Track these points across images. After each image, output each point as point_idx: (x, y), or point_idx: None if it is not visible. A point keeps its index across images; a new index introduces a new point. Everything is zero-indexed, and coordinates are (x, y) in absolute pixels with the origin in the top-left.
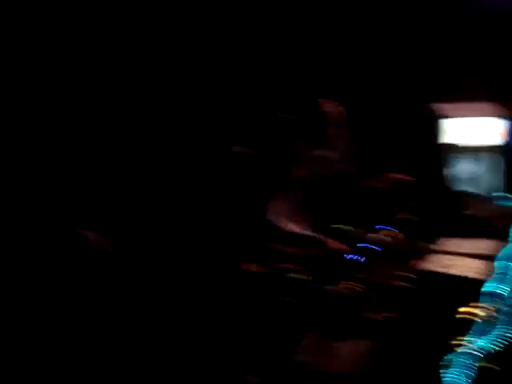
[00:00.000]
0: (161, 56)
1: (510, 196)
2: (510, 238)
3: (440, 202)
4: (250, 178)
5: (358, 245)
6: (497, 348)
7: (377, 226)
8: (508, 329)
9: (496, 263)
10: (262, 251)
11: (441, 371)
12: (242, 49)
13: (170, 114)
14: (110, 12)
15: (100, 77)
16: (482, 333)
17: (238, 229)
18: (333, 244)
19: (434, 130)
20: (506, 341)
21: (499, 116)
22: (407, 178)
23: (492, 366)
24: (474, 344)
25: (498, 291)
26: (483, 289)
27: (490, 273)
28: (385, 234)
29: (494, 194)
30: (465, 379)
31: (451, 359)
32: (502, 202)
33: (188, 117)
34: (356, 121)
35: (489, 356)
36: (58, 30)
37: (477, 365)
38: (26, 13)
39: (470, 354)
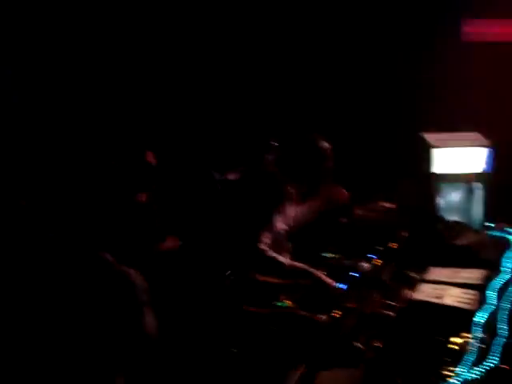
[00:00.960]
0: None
1: (500, 226)
2: (501, 268)
3: (430, 232)
4: (238, 207)
5: (347, 273)
6: (488, 378)
7: (367, 255)
8: (499, 359)
9: (487, 293)
10: (252, 282)
11: None
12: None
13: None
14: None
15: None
16: (473, 363)
17: (229, 256)
18: (320, 275)
19: (422, 160)
20: (496, 371)
21: (483, 145)
22: (397, 206)
23: None
24: (465, 375)
25: (490, 321)
26: (474, 319)
27: (480, 303)
28: (375, 263)
29: (485, 224)
30: None
31: None
32: (491, 232)
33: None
34: (346, 150)
35: None
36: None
37: None
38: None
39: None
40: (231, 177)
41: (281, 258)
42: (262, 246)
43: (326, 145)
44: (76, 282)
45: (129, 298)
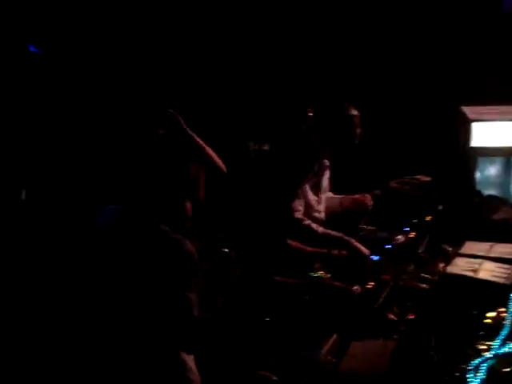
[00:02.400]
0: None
1: None
2: None
3: (466, 205)
4: (270, 175)
5: (382, 246)
6: None
7: (402, 228)
8: None
9: None
10: (288, 250)
11: (468, 376)
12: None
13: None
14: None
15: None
16: (507, 338)
17: (265, 227)
18: (356, 244)
19: (462, 134)
20: None
21: None
22: (434, 180)
23: None
24: (502, 349)
25: None
26: (510, 294)
27: None
28: (410, 235)
29: None
30: None
31: (478, 364)
32: None
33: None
34: (385, 122)
35: None
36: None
37: (502, 369)
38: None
39: (497, 358)
40: (266, 147)
41: (315, 227)
42: (297, 215)
43: (354, 111)
44: (130, 250)
45: (180, 265)
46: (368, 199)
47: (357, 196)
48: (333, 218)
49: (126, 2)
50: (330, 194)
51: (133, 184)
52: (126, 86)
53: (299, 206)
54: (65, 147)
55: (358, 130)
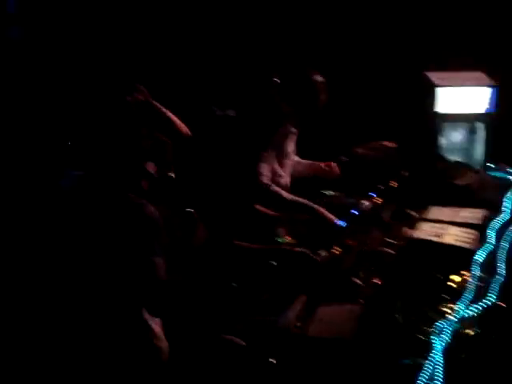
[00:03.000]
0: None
1: (502, 166)
2: (503, 208)
3: (430, 171)
4: (236, 141)
5: (348, 211)
6: (486, 315)
7: (368, 193)
8: (497, 297)
9: (487, 232)
10: (254, 215)
11: (432, 339)
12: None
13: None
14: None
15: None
16: (471, 301)
17: (230, 191)
18: (322, 210)
19: (427, 99)
20: (494, 309)
21: (487, 85)
22: (398, 146)
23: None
24: (463, 312)
25: (488, 261)
26: (473, 258)
27: (480, 242)
28: (375, 201)
29: (486, 165)
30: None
31: (443, 327)
32: (493, 173)
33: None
34: (349, 89)
35: (478, 323)
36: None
37: (466, 332)
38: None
39: (460, 321)
40: (232, 113)
41: (283, 193)
42: (264, 180)
43: (319, 77)
44: (94, 215)
45: (143, 229)
46: (336, 169)
47: (325, 164)
48: (297, 182)
49: None
50: (297, 159)
51: (95, 148)
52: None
53: (266, 171)
54: (31, 108)
55: (323, 96)
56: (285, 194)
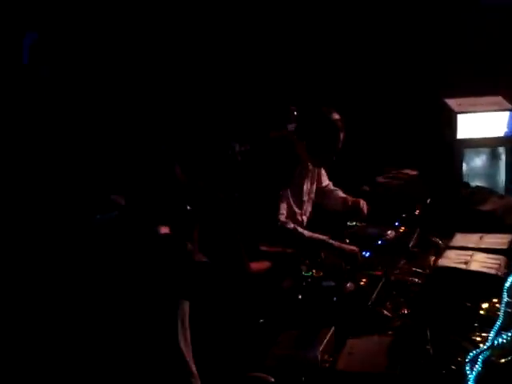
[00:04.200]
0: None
1: None
2: None
3: (454, 198)
4: (255, 180)
5: (372, 241)
6: None
7: (394, 224)
8: None
9: None
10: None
11: (465, 369)
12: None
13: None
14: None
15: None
16: (502, 328)
17: (248, 231)
18: (341, 245)
19: (447, 126)
20: None
21: (506, 109)
22: (420, 173)
23: None
24: (497, 339)
25: None
26: (505, 283)
27: (507, 267)
28: (399, 230)
29: (510, 189)
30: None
31: (475, 356)
32: None
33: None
34: (370, 118)
35: (510, 350)
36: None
37: (498, 360)
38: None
39: (493, 349)
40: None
41: (300, 230)
42: (282, 218)
43: (336, 116)
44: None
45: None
46: (364, 207)
47: (351, 201)
48: (322, 214)
49: None
50: (337, 191)
51: (132, 190)
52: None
53: (283, 210)
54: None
55: (342, 135)
56: (301, 230)
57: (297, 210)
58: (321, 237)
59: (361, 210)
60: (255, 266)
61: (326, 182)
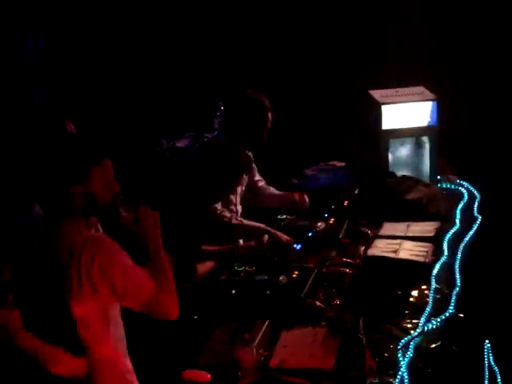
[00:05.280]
0: None
1: (452, 178)
2: (455, 220)
3: (381, 188)
4: (193, 176)
5: (302, 234)
6: (446, 327)
7: (324, 215)
8: (457, 309)
9: (444, 244)
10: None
11: (397, 356)
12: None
13: None
14: None
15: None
16: (431, 314)
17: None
18: (278, 233)
19: (372, 117)
20: (453, 320)
21: (429, 99)
22: (347, 165)
23: (444, 345)
24: (428, 326)
25: (445, 273)
26: (433, 270)
27: (435, 255)
28: (331, 222)
29: (437, 177)
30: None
31: (406, 343)
32: (443, 185)
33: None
34: (295, 110)
35: (441, 336)
36: None
37: (431, 346)
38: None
39: (424, 335)
40: (180, 144)
41: (237, 219)
42: (218, 210)
43: (262, 96)
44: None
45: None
46: (307, 200)
47: (297, 196)
48: (252, 208)
49: None
50: (271, 190)
51: None
52: None
53: (218, 204)
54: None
55: (270, 114)
56: (239, 219)
57: (233, 199)
58: (258, 224)
59: (306, 203)
60: (201, 267)
61: (257, 176)
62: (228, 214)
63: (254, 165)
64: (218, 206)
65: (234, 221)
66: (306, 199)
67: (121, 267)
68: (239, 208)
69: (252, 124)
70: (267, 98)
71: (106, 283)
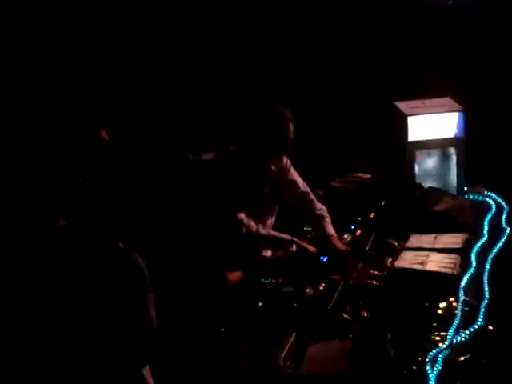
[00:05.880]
0: None
1: (479, 189)
2: (483, 231)
3: (408, 200)
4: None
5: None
6: (475, 339)
7: (351, 227)
8: (484, 320)
9: (472, 256)
10: (236, 256)
11: (425, 369)
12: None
13: None
14: None
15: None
16: (460, 326)
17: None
18: (304, 244)
19: (398, 128)
20: (482, 332)
21: (455, 110)
22: (374, 177)
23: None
24: (456, 338)
25: (473, 284)
26: (461, 282)
27: (462, 267)
28: (355, 233)
29: (464, 189)
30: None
31: (435, 356)
32: (470, 196)
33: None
34: (323, 124)
35: (468, 348)
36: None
37: (457, 358)
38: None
39: (452, 348)
40: (206, 157)
41: (262, 230)
42: (245, 221)
43: (283, 109)
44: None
45: (136, 281)
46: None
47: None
48: (278, 220)
49: None
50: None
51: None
52: None
53: (242, 216)
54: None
55: (291, 125)
56: (267, 231)
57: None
58: (284, 235)
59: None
60: (230, 276)
61: (300, 185)
62: (254, 225)
63: (292, 170)
64: (244, 217)
65: (261, 230)
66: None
67: None
68: (269, 219)
69: (274, 135)
70: (288, 110)
71: None
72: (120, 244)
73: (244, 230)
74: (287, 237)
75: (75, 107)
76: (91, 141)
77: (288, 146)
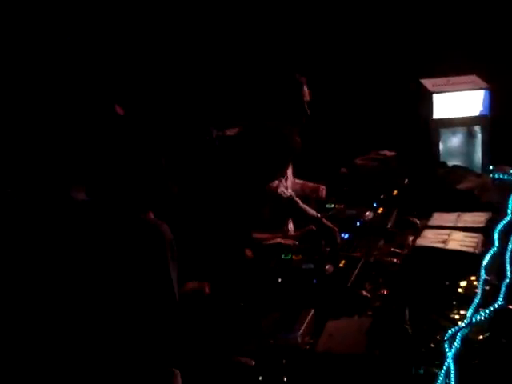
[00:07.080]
0: None
1: (504, 168)
2: (507, 210)
3: (431, 178)
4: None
5: (351, 223)
6: (495, 319)
7: (370, 204)
8: (505, 300)
9: (492, 235)
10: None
11: (443, 347)
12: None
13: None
14: None
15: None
16: (480, 305)
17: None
18: (327, 223)
19: (423, 106)
20: (503, 312)
21: (481, 87)
22: (398, 154)
23: (493, 337)
24: (475, 317)
25: (495, 264)
26: (483, 261)
27: (485, 246)
28: (377, 211)
29: (489, 167)
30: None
31: (453, 334)
32: (495, 175)
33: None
34: (346, 100)
35: (488, 327)
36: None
37: (479, 338)
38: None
39: (471, 327)
40: (230, 133)
41: (296, 197)
42: (278, 189)
43: (301, 77)
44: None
45: (158, 251)
46: (323, 193)
47: (310, 190)
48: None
49: None
50: (296, 179)
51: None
52: None
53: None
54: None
55: (305, 88)
56: (298, 201)
57: (283, 182)
58: (312, 211)
59: (320, 196)
60: (248, 252)
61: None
62: (287, 192)
63: None
64: (281, 187)
65: (295, 198)
66: (322, 191)
67: None
68: (290, 191)
69: (291, 101)
70: (300, 75)
71: None
72: (149, 216)
73: (277, 195)
74: (314, 213)
75: (92, 83)
76: (106, 114)
77: (307, 108)
